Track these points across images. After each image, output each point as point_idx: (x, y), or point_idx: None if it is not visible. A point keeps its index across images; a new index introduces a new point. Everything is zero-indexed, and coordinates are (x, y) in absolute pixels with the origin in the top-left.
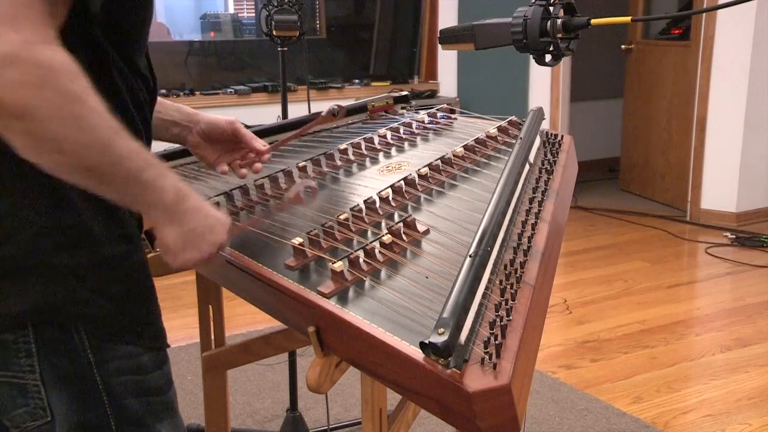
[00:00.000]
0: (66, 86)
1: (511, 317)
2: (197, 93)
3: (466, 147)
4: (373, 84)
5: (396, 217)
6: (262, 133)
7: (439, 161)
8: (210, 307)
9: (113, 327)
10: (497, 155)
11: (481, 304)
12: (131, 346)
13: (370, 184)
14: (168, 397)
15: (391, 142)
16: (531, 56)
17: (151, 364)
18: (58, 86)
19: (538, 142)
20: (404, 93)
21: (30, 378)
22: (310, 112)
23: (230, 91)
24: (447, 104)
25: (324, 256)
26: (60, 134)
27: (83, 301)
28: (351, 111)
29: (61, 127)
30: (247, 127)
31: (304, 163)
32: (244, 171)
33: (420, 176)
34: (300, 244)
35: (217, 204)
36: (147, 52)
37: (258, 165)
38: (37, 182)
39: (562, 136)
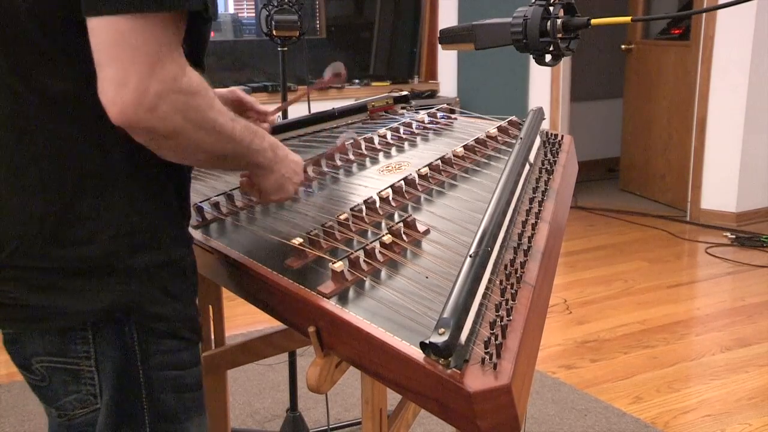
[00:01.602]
0: (203, 102)
1: (511, 317)
2: None
3: (466, 147)
4: (373, 84)
5: (396, 217)
6: None
7: (439, 161)
8: (210, 307)
9: (176, 323)
10: (497, 155)
11: (481, 304)
12: (175, 340)
13: (370, 184)
14: (200, 395)
15: (391, 142)
16: (531, 56)
17: (189, 360)
18: (198, 106)
19: (538, 142)
20: (404, 93)
21: (85, 364)
22: (310, 112)
23: None
24: (447, 104)
25: (324, 256)
26: (200, 141)
27: (155, 300)
28: (351, 111)
29: (202, 136)
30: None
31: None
32: None
33: (420, 176)
34: (300, 244)
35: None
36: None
37: (266, 125)
38: (116, 188)
39: (562, 136)
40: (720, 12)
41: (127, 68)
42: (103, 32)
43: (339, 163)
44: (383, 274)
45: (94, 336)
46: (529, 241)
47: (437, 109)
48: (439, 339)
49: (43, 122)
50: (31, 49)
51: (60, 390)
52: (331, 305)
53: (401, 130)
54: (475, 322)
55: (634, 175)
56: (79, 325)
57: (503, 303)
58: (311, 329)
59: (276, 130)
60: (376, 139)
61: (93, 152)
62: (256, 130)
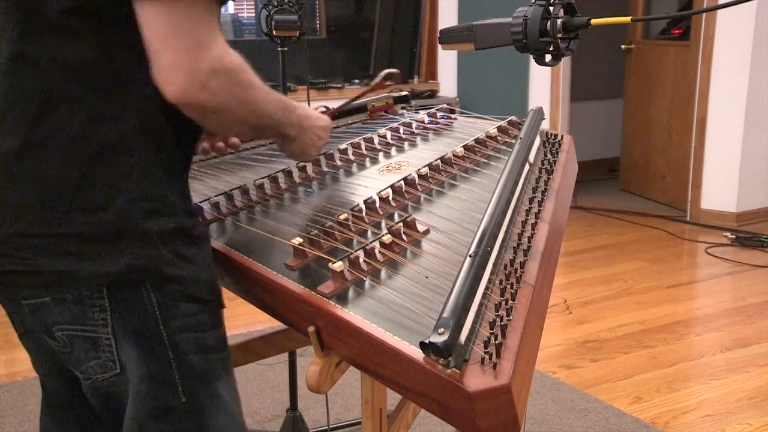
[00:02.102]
0: (245, 79)
1: (511, 317)
2: None
3: (466, 147)
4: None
5: (396, 217)
6: None
7: (439, 161)
8: None
9: (193, 284)
10: (497, 155)
11: (481, 304)
12: (193, 303)
13: (370, 184)
14: (224, 355)
15: (391, 142)
16: (531, 56)
17: (209, 323)
18: (241, 82)
19: (538, 142)
20: (404, 93)
21: (102, 332)
22: None
23: None
24: (447, 104)
25: (324, 256)
26: (243, 115)
27: (168, 262)
28: (351, 111)
29: (243, 109)
30: None
31: (303, 163)
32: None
33: (420, 176)
34: (300, 244)
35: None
36: None
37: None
38: (132, 156)
39: (562, 136)
40: (720, 12)
41: (180, 52)
42: (157, 18)
43: (339, 163)
44: (383, 274)
45: (110, 303)
46: (529, 241)
47: (437, 109)
48: (438, 339)
49: (65, 93)
50: (55, 22)
51: (82, 356)
52: (331, 305)
53: (401, 130)
54: (474, 322)
55: (634, 175)
56: (96, 289)
57: (503, 303)
58: (311, 329)
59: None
60: (376, 139)
61: (111, 122)
62: (287, 104)
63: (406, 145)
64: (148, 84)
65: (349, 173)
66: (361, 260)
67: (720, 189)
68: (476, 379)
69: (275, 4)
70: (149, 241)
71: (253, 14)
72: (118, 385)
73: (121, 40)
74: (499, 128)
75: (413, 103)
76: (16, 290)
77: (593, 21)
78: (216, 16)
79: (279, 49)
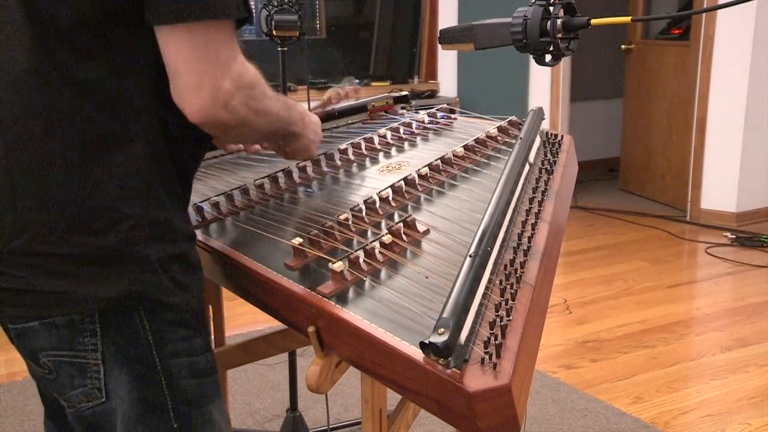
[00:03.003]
0: (260, 91)
1: (511, 317)
2: None
3: (466, 147)
4: (373, 84)
5: (396, 217)
6: None
7: (439, 161)
8: (210, 307)
9: (185, 313)
10: (497, 155)
11: (481, 304)
12: (186, 329)
13: (370, 184)
14: (216, 378)
15: (391, 142)
16: (531, 56)
17: (201, 347)
18: (257, 96)
19: (538, 142)
20: (404, 93)
21: (91, 357)
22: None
23: None
24: (447, 104)
25: (324, 256)
26: (258, 126)
27: (166, 290)
28: (351, 111)
29: (260, 121)
30: None
31: (304, 163)
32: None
33: (420, 176)
34: (300, 244)
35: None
36: None
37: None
38: (138, 180)
39: (562, 136)
40: (720, 12)
41: (202, 73)
42: (178, 41)
43: (339, 163)
44: (383, 274)
45: (101, 328)
46: (529, 241)
47: (437, 109)
48: (438, 339)
49: (73, 113)
50: (68, 41)
51: (67, 383)
52: (331, 305)
53: (401, 130)
54: (474, 322)
55: (634, 175)
56: (90, 312)
57: (503, 303)
58: (311, 329)
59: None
60: (376, 139)
61: (118, 144)
62: (290, 105)
63: (406, 145)
64: (157, 108)
65: (349, 173)
66: (361, 260)
67: (720, 189)
68: (476, 380)
69: (275, 4)
70: (149, 267)
71: (253, 14)
72: (101, 415)
73: (132, 62)
74: (499, 128)
75: (413, 103)
76: (3, 312)
77: (593, 21)
78: (235, 35)
79: (279, 49)
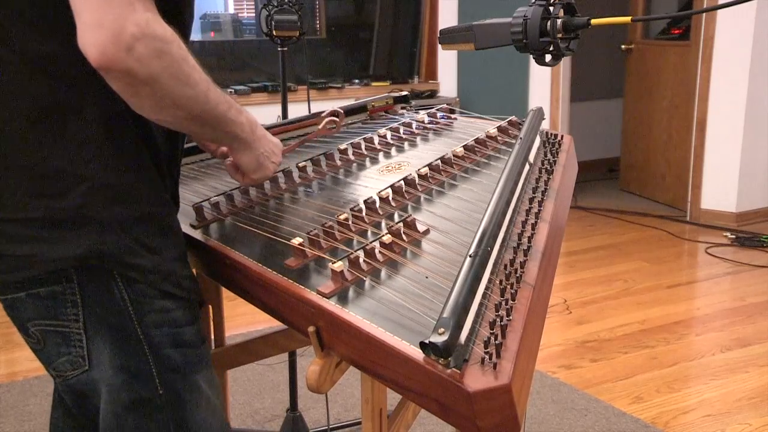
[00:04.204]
0: (177, 52)
1: (511, 317)
2: None
3: (466, 147)
4: (373, 84)
5: (396, 217)
6: None
7: (439, 161)
8: (210, 307)
9: (155, 275)
10: (497, 155)
11: (481, 304)
12: (166, 300)
13: (370, 184)
14: (202, 351)
15: (391, 142)
16: (531, 56)
17: (185, 319)
18: (172, 54)
19: (538, 142)
20: (404, 93)
21: (74, 327)
22: (310, 112)
23: (230, 91)
24: (447, 104)
25: (324, 256)
26: (176, 92)
27: (128, 250)
28: (351, 111)
29: (177, 86)
30: None
31: (304, 163)
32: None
33: (420, 176)
34: (300, 244)
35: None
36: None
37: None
38: (92, 146)
39: (562, 136)
40: (720, 12)
41: (102, 10)
42: None
43: (339, 163)
44: (383, 274)
45: (82, 299)
46: (529, 241)
47: (437, 109)
48: (438, 339)
49: (24, 84)
50: (12, 14)
51: (53, 352)
52: (331, 305)
53: (401, 130)
54: (474, 322)
55: (634, 175)
56: (67, 282)
57: (503, 303)
58: (311, 329)
59: (275, 131)
60: (376, 139)
61: (71, 112)
62: (233, 103)
63: (406, 145)
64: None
65: (349, 173)
66: (361, 260)
67: (720, 189)
68: (476, 379)
69: (275, 4)
70: (110, 229)
71: (253, 14)
72: (87, 383)
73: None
74: (499, 128)
75: (413, 103)
76: None
77: (593, 21)
78: None
79: (279, 49)
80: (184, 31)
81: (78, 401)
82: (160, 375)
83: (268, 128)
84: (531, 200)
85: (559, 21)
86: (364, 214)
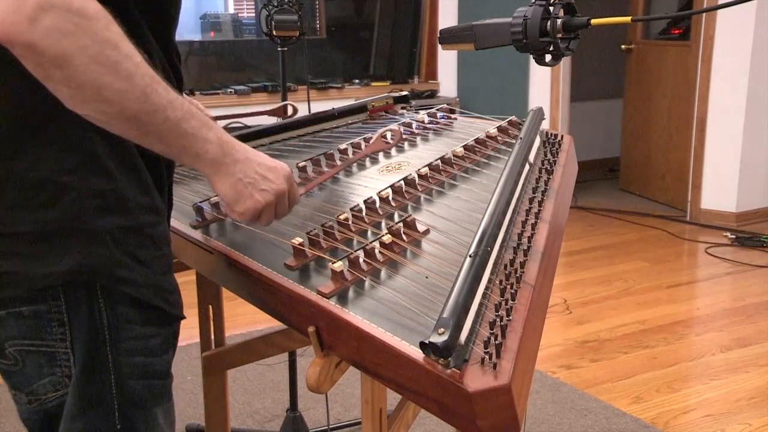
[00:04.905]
0: (101, 33)
1: (511, 317)
2: (197, 93)
3: (466, 147)
4: (373, 84)
5: (396, 217)
6: (262, 133)
7: (439, 161)
8: (210, 307)
9: (142, 289)
10: (497, 155)
11: (481, 304)
12: (148, 327)
13: (370, 184)
14: (167, 383)
15: (391, 142)
16: (531, 56)
17: (160, 349)
18: (93, 33)
19: (538, 142)
20: (404, 93)
21: (60, 347)
22: (310, 112)
23: (230, 91)
24: (447, 104)
25: (324, 256)
26: (98, 81)
27: (119, 263)
28: (351, 111)
29: (99, 74)
30: (247, 127)
31: (304, 163)
32: None
33: (420, 176)
34: (300, 244)
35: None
36: (176, 46)
37: None
38: (78, 151)
39: (562, 136)
40: (720, 12)
41: None
42: None
43: (339, 163)
44: (383, 274)
45: (69, 318)
46: (529, 241)
47: (437, 109)
48: (438, 339)
49: (2, 90)
50: None
51: (33, 373)
52: (331, 305)
53: (401, 130)
54: (474, 322)
55: (634, 175)
56: (54, 302)
57: (503, 303)
58: (311, 329)
59: (276, 131)
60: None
61: (50, 116)
62: (198, 115)
63: (406, 145)
64: None
65: (349, 173)
66: (361, 260)
67: (720, 189)
68: (476, 379)
69: (275, 4)
70: (100, 240)
71: (253, 14)
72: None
73: None
74: (499, 128)
75: (413, 103)
76: None
77: (593, 21)
78: None
79: (279, 49)
80: (166, 20)
81: (49, 429)
82: (121, 408)
83: (265, 130)
84: (531, 200)
85: (559, 21)
86: (364, 214)
